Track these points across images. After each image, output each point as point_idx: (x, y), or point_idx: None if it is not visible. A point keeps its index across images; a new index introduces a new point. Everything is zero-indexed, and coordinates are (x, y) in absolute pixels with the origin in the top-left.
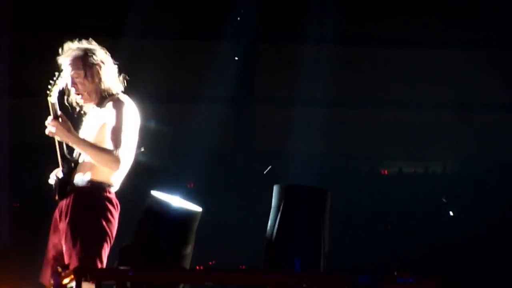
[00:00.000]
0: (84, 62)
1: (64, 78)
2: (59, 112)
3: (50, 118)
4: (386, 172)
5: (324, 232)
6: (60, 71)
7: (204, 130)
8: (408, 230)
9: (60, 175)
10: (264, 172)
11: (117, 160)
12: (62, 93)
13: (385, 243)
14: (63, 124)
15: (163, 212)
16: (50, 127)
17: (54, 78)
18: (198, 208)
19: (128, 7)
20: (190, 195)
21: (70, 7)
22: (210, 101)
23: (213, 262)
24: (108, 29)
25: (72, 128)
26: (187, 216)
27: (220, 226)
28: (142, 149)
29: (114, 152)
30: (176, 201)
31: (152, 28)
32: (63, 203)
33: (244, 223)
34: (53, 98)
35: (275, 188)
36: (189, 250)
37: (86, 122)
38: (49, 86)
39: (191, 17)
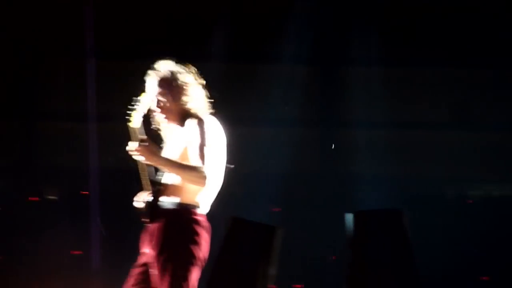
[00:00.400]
0: (170, 83)
1: (146, 102)
2: (144, 136)
3: (132, 143)
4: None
5: (408, 253)
6: (140, 96)
7: (286, 153)
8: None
9: (150, 198)
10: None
11: (203, 177)
12: (147, 115)
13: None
14: (148, 147)
15: (246, 234)
16: (135, 152)
17: (134, 104)
18: (280, 228)
19: (210, 33)
20: (273, 219)
21: (153, 32)
22: (293, 124)
23: (302, 286)
24: (192, 54)
25: (156, 150)
26: (271, 236)
27: (303, 249)
28: (232, 166)
29: (200, 168)
30: (257, 223)
31: (241, 51)
32: (152, 227)
33: (327, 246)
34: (133, 124)
35: (347, 217)
36: (273, 270)
37: (169, 142)
38: (129, 112)
39: (277, 41)
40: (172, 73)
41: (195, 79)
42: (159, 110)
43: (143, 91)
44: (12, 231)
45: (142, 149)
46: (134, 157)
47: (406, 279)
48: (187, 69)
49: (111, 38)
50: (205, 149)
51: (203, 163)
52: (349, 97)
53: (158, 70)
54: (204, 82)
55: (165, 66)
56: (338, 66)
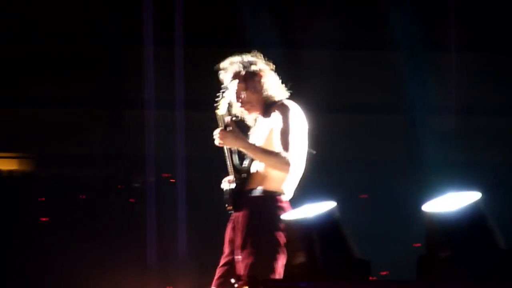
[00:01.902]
0: (244, 74)
1: (233, 89)
2: (227, 119)
3: (218, 129)
4: None
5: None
6: (227, 83)
7: (376, 140)
8: None
9: (233, 185)
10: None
11: (287, 163)
12: (230, 105)
13: None
14: (231, 132)
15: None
16: (218, 137)
17: (221, 92)
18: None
19: (288, 19)
20: (362, 206)
21: (238, 20)
22: (381, 111)
23: (387, 273)
24: (272, 41)
25: (240, 134)
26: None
27: (393, 237)
28: (314, 152)
29: (284, 154)
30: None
31: (318, 38)
32: (238, 214)
33: (417, 233)
34: (221, 111)
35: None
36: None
37: (253, 132)
38: (217, 100)
39: (362, 27)
40: (244, 65)
41: (267, 66)
42: (239, 104)
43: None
44: (98, 218)
45: (223, 134)
46: (217, 142)
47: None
48: (256, 57)
49: (197, 26)
50: (289, 135)
51: (287, 149)
52: (434, 82)
53: (231, 63)
54: (274, 67)
55: (234, 58)
56: (422, 52)
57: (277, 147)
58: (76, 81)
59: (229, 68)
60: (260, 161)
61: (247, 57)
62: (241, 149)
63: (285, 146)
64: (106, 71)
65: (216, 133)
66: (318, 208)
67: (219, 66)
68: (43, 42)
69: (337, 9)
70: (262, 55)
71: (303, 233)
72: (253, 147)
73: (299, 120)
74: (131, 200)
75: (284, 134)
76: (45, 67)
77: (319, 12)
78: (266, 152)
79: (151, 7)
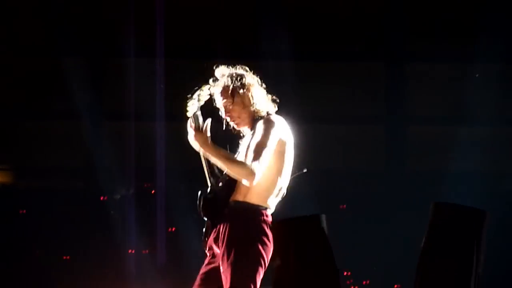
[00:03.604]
0: (232, 89)
1: (205, 94)
2: (200, 123)
3: (192, 125)
4: None
5: (479, 255)
6: (198, 88)
7: (355, 150)
8: None
9: (207, 192)
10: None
11: (251, 173)
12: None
13: None
14: (202, 134)
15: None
16: (190, 134)
17: (192, 94)
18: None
19: (272, 32)
20: (342, 217)
21: (219, 32)
22: (360, 121)
23: (367, 282)
24: (253, 52)
25: (209, 140)
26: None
27: (373, 246)
28: (305, 170)
29: (249, 164)
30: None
31: (305, 50)
32: (221, 226)
33: (397, 243)
34: (190, 113)
35: (431, 206)
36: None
37: (241, 144)
38: (188, 102)
39: (342, 39)
40: (232, 79)
41: (254, 79)
42: (228, 118)
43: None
44: (80, 230)
45: (194, 134)
46: (190, 138)
47: (461, 276)
48: (244, 71)
49: (179, 37)
50: (262, 147)
51: (256, 158)
52: (415, 93)
53: (219, 77)
54: (260, 80)
55: (222, 73)
56: (404, 62)
57: (249, 156)
58: (56, 93)
59: (218, 82)
60: (225, 168)
61: (235, 70)
62: (206, 154)
63: (255, 156)
64: (86, 82)
65: (190, 129)
66: (307, 216)
67: (207, 79)
68: (21, 54)
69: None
70: (247, 68)
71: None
72: (218, 154)
73: (282, 136)
74: (112, 211)
75: (258, 147)
76: (24, 79)
77: (300, 23)
78: (230, 160)
79: (132, 19)
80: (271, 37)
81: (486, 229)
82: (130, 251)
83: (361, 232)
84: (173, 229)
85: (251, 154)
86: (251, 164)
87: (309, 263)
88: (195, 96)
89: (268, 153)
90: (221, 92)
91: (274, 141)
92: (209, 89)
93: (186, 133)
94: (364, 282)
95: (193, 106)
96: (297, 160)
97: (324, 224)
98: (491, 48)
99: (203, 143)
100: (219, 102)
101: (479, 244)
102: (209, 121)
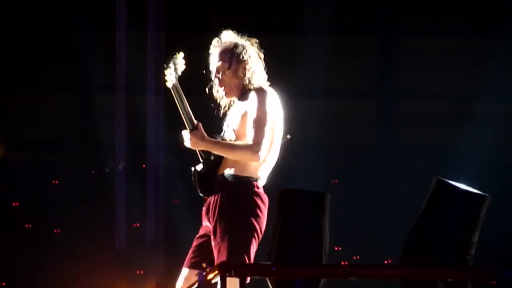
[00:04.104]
0: (231, 54)
1: (181, 62)
2: (195, 121)
3: (185, 131)
4: None
5: (470, 237)
6: (172, 55)
7: (349, 126)
8: None
9: (199, 167)
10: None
11: (255, 153)
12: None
13: None
14: (196, 133)
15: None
16: (185, 139)
17: (168, 63)
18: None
19: (268, 7)
20: (334, 191)
21: (214, 5)
22: (353, 96)
23: (358, 257)
24: (256, 27)
25: (205, 135)
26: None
27: (365, 221)
28: (288, 136)
29: (252, 145)
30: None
31: (296, 24)
32: (211, 199)
33: (388, 218)
34: (168, 83)
35: (434, 180)
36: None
37: (229, 115)
38: (164, 71)
39: (334, 13)
40: (236, 45)
41: (257, 53)
42: (217, 81)
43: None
44: (71, 203)
45: (189, 136)
46: (187, 144)
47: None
48: (250, 42)
49: (178, 10)
50: (261, 124)
51: (258, 139)
52: (407, 69)
53: (222, 41)
54: (263, 55)
55: (229, 37)
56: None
57: (248, 135)
58: (47, 66)
59: (221, 44)
60: (228, 157)
61: (240, 41)
62: (208, 150)
63: (256, 136)
64: (76, 56)
65: (184, 135)
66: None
67: (208, 46)
68: (11, 27)
69: None
70: (255, 40)
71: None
72: (220, 146)
73: (275, 107)
74: (103, 185)
75: (257, 123)
76: (14, 52)
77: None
78: (233, 147)
79: None
80: (266, 11)
81: (484, 213)
82: (120, 224)
83: (353, 207)
84: (138, 225)
85: (250, 131)
86: (252, 144)
87: (299, 237)
88: (171, 65)
89: (267, 128)
90: (219, 53)
91: (271, 114)
92: (183, 57)
93: (175, 107)
94: (354, 258)
95: (171, 76)
96: (289, 134)
97: (328, 204)
98: (484, 24)
99: (200, 140)
100: (214, 63)
101: (474, 227)
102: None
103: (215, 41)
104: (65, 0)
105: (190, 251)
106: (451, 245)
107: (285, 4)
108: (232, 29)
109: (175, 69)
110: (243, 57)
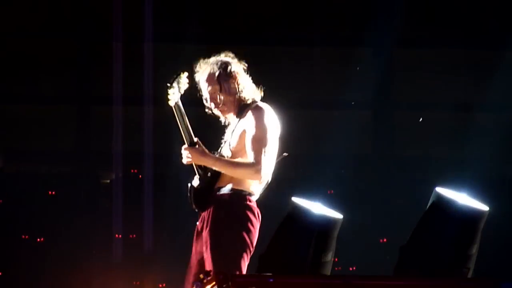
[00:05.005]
0: (219, 76)
1: (184, 80)
2: (195, 139)
3: (184, 146)
4: None
5: (466, 250)
6: (177, 75)
7: (343, 136)
8: None
9: (196, 183)
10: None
11: (257, 172)
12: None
13: None
14: (197, 149)
15: (303, 219)
16: (185, 155)
17: (172, 82)
18: (339, 216)
19: (265, 18)
20: (330, 202)
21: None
22: (348, 106)
23: (354, 268)
24: (245, 38)
25: (206, 151)
26: (328, 223)
27: (360, 232)
28: (285, 154)
29: (255, 164)
30: (317, 207)
31: (292, 35)
32: (205, 212)
33: (383, 229)
34: (172, 102)
35: (434, 191)
36: (329, 257)
37: (227, 132)
38: (168, 90)
39: (329, 24)
40: (218, 65)
41: (240, 67)
42: (213, 105)
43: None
44: (67, 214)
45: (190, 151)
46: (184, 161)
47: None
48: (230, 57)
49: (164, 21)
50: (261, 142)
51: (258, 157)
52: (402, 79)
53: (205, 64)
54: (246, 67)
55: (209, 61)
56: (391, 48)
57: (248, 153)
58: (44, 77)
59: (204, 69)
60: (229, 174)
61: (221, 58)
62: (209, 166)
63: (257, 155)
64: (74, 67)
65: (183, 150)
66: (324, 210)
67: (193, 66)
68: (10, 37)
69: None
70: (233, 54)
71: (307, 226)
72: (221, 163)
73: (272, 124)
74: (99, 196)
75: (258, 142)
76: (12, 62)
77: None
78: (234, 165)
79: (120, 2)
80: (257, 22)
81: (482, 225)
82: (117, 235)
83: (348, 217)
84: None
85: (250, 151)
86: (254, 162)
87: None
88: (174, 84)
89: (267, 146)
90: (206, 79)
91: (271, 132)
92: (187, 77)
93: (172, 119)
94: (350, 269)
95: (174, 95)
96: (285, 146)
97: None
98: (480, 35)
99: (201, 156)
100: (205, 89)
101: (471, 240)
102: (196, 138)
103: (197, 67)
104: (64, 12)
105: (188, 265)
106: (446, 258)
107: (281, 15)
108: (220, 40)
109: (178, 88)
110: (230, 73)
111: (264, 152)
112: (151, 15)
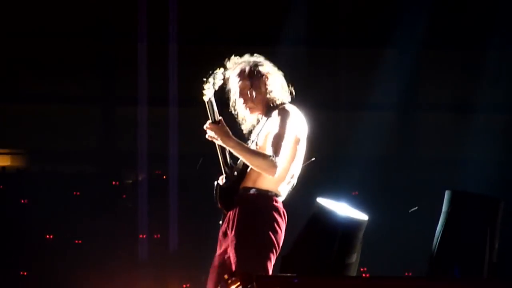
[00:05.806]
0: (250, 73)
1: (220, 76)
2: (218, 117)
3: (208, 122)
4: None
5: (493, 242)
6: (214, 70)
7: (369, 137)
8: None
9: (222, 181)
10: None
11: (273, 166)
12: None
13: None
14: (221, 128)
15: (328, 220)
16: (209, 131)
17: (208, 77)
18: (364, 217)
19: (285, 16)
20: (355, 203)
21: (233, 17)
22: (374, 108)
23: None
24: (270, 38)
25: (229, 133)
26: (352, 225)
27: (385, 233)
28: (313, 159)
29: (271, 157)
30: (342, 209)
31: (315, 36)
32: (231, 212)
33: (409, 230)
34: (206, 96)
35: (446, 194)
36: (354, 259)
37: (254, 132)
38: (203, 85)
39: (353, 25)
40: (251, 64)
41: (274, 68)
42: (242, 101)
43: (220, 67)
44: (92, 214)
45: (214, 128)
46: (208, 136)
47: (474, 264)
48: (263, 59)
49: (191, 23)
50: (282, 139)
51: (276, 152)
52: (428, 80)
53: (236, 63)
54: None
55: (242, 59)
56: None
57: (268, 149)
58: (69, 77)
59: (237, 65)
60: (246, 161)
61: (253, 58)
62: (228, 147)
63: (275, 150)
64: (99, 67)
65: (207, 126)
66: (349, 211)
67: (224, 64)
68: (35, 38)
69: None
70: (264, 56)
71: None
72: (240, 147)
73: (298, 126)
74: (124, 196)
75: (277, 138)
76: (38, 63)
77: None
78: (253, 153)
79: (145, 3)
80: (283, 24)
81: (500, 217)
82: (141, 235)
83: (373, 218)
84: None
85: (270, 147)
86: (272, 156)
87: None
88: (210, 80)
89: (287, 145)
90: (238, 75)
91: (291, 133)
92: (223, 73)
93: (198, 119)
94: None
95: (209, 91)
96: (311, 147)
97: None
98: (504, 36)
99: (225, 136)
100: (235, 86)
101: (493, 232)
102: (220, 117)
103: (229, 64)
104: (90, 13)
105: (212, 265)
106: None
107: (308, 16)
108: (250, 41)
109: (213, 84)
110: (261, 73)
111: (283, 149)
112: (176, 16)
